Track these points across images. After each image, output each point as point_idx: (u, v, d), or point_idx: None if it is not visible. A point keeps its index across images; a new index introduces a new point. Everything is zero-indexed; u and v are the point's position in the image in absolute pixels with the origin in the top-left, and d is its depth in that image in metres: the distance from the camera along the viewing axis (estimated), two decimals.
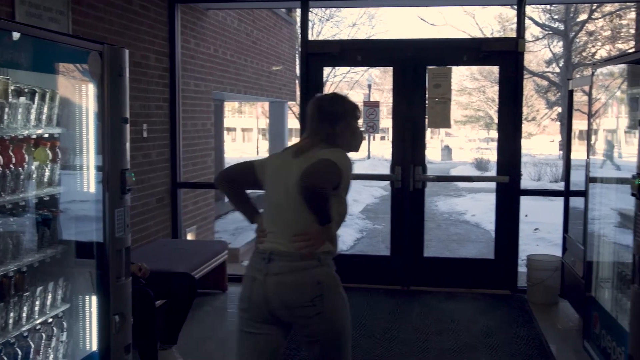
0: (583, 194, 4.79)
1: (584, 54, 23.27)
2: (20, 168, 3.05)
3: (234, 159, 32.45)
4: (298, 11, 6.07)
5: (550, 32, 23.88)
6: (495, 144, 6.42)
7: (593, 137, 4.59)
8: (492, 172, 6.02)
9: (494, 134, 5.92)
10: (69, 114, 3.34)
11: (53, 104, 3.27)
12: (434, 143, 40.93)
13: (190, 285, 4.39)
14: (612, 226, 4.06)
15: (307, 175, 2.56)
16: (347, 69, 26.92)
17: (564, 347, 4.68)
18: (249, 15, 10.34)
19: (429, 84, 5.92)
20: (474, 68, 29.00)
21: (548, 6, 22.36)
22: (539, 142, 38.51)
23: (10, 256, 3.01)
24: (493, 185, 6.34)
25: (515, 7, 5.95)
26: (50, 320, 3.28)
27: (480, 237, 11.43)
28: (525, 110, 29.55)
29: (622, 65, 3.92)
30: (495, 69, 6.03)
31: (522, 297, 5.82)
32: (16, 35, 2.80)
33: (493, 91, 27.68)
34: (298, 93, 10.98)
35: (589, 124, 4.68)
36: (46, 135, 3.26)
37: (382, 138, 37.06)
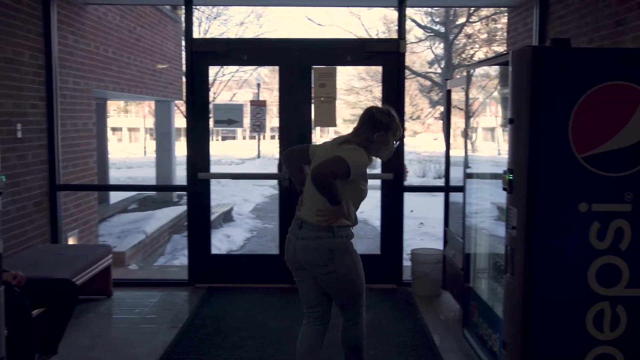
0: (462, 189, 5.00)
1: (463, 55, 24.40)
2: None
3: (120, 161, 31.23)
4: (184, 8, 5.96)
5: (432, 34, 24.86)
6: None
7: (473, 135, 4.80)
8: (378, 170, 6.17)
9: None
10: None
11: None
12: (323, 141, 41.43)
13: (71, 291, 4.20)
14: (492, 219, 4.26)
15: (314, 168, 3.36)
16: (235, 67, 26.79)
17: (446, 336, 4.88)
18: (131, 12, 10.04)
19: (315, 83, 5.98)
20: (361, 68, 29.61)
21: (430, 9, 23.25)
22: (424, 140, 39.91)
23: None
24: (379, 182, 6.50)
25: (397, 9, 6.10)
26: None
27: (368, 233, 11.68)
28: (410, 109, 30.66)
29: (496, 67, 4.13)
30: (380, 69, 6.18)
31: (407, 290, 6.01)
32: None
33: (379, 90, 28.40)
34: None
35: (466, 122, 4.89)
36: None
37: (273, 137, 37.12)
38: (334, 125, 6.26)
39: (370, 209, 14.19)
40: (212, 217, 10.22)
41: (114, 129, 46.88)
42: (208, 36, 24.89)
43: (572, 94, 3.17)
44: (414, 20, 23.80)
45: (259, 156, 31.27)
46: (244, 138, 46.80)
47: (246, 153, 34.41)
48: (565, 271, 3.25)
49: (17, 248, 5.60)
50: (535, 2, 6.11)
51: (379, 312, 5.38)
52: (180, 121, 19.36)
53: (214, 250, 6.71)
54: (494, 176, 4.08)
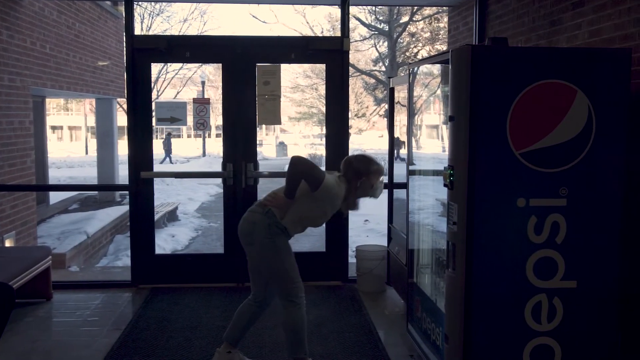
0: (405, 185, 5.05)
1: (407, 53, 24.68)
2: None
3: (60, 160, 30.44)
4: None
5: (376, 32, 25.07)
6: None
7: (418, 132, 4.86)
8: (323, 167, 6.17)
9: None
10: None
11: None
12: (270, 140, 41.38)
13: (8, 295, 4.06)
14: (436, 216, 4.33)
15: (299, 157, 3.75)
16: (179, 65, 26.44)
17: (391, 332, 4.94)
18: (70, 7, 9.78)
19: (259, 81, 5.96)
20: (307, 66, 29.66)
21: (374, 7, 23.45)
22: (370, 137, 40.27)
23: None
24: None
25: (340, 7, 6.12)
26: None
27: (314, 231, 11.68)
28: (355, 107, 30.91)
29: (438, 65, 4.19)
30: (324, 67, 6.20)
31: (352, 286, 6.05)
32: None
33: (325, 88, 28.51)
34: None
35: (409, 120, 4.95)
36: None
37: (218, 135, 36.82)
38: (279, 123, 6.24)
39: None
40: (156, 216, 10.08)
41: (53, 128, 45.70)
42: (150, 33, 24.51)
43: (509, 91, 3.25)
44: (358, 19, 23.97)
45: (204, 154, 30.97)
46: (189, 136, 46.29)
47: (191, 151, 34.04)
48: (504, 265, 3.34)
49: None
50: (475, 1, 6.24)
51: (324, 308, 5.40)
52: (122, 119, 19.02)
53: (158, 250, 6.62)
54: (437, 173, 4.14)
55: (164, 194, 16.58)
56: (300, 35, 22.06)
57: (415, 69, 4.67)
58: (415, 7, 21.93)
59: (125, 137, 6.07)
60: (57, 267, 6.92)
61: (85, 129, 41.31)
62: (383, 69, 26.25)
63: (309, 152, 28.53)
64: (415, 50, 24.77)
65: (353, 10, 22.55)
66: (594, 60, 3.34)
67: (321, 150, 27.61)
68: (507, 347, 3.39)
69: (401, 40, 24.84)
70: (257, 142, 6.23)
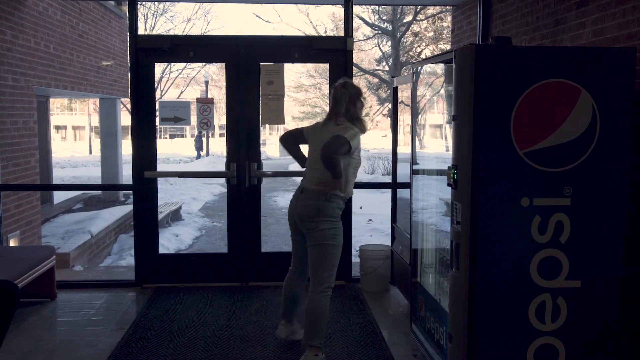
0: (409, 185, 5.05)
1: (411, 53, 24.67)
2: None
3: (64, 159, 30.46)
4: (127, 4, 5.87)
5: (380, 32, 25.06)
6: None
7: (421, 132, 4.86)
8: None
9: None
10: None
11: None
12: (273, 139, 41.36)
13: (12, 294, 4.07)
14: (440, 215, 4.33)
15: (324, 147, 4.01)
16: (183, 65, 26.47)
17: (395, 331, 4.94)
18: (73, 7, 9.80)
19: (262, 80, 5.96)
20: (310, 65, 29.68)
21: (377, 7, 23.44)
22: (373, 137, 40.25)
23: None
24: None
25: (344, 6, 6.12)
26: None
27: None
28: None
29: (442, 65, 4.19)
30: (328, 67, 6.20)
31: (356, 286, 6.05)
32: None
33: (328, 88, 28.54)
34: None
35: (412, 119, 4.95)
36: None
37: (222, 135, 36.82)
38: (283, 122, 6.24)
39: None
40: (160, 216, 10.11)
41: (57, 127, 45.79)
42: (154, 33, 24.55)
43: (513, 91, 3.24)
44: (361, 18, 23.98)
45: (207, 154, 31.00)
46: (193, 136, 46.34)
47: (195, 151, 34.08)
48: (508, 265, 3.33)
49: None
50: (479, 1, 6.23)
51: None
52: (126, 119, 19.04)
53: (162, 250, 6.63)
54: (441, 172, 4.14)
55: (168, 194, 16.61)
56: (304, 34, 22.08)
57: (419, 68, 4.67)
58: (419, 7, 21.93)
59: (129, 136, 6.07)
60: (61, 266, 6.94)
61: (89, 129, 41.37)
62: (386, 68, 26.24)
63: None
64: (418, 49, 24.77)
65: (356, 9, 22.57)
66: (598, 59, 3.33)
67: None
68: (511, 346, 3.39)
69: (404, 40, 24.82)
70: (261, 142, 6.24)
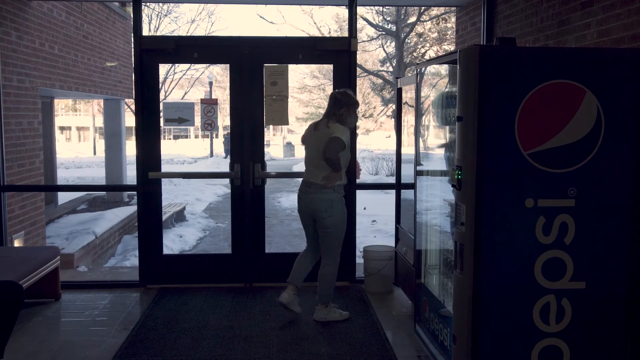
0: (413, 186, 5.04)
1: (415, 54, 24.65)
2: None
3: (69, 160, 30.44)
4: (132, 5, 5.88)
5: (384, 32, 25.03)
6: None
7: (425, 133, 4.85)
8: None
9: None
10: None
11: None
12: (277, 140, 41.40)
13: (17, 294, 4.08)
14: (444, 216, 4.32)
15: (327, 152, 4.82)
16: (187, 65, 26.49)
17: (398, 332, 4.94)
18: (78, 8, 9.82)
19: (266, 81, 5.96)
20: (314, 66, 29.68)
21: (381, 8, 23.42)
22: (377, 138, 40.23)
23: None
24: None
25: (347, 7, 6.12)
26: None
27: None
28: (363, 107, 30.83)
29: (446, 66, 4.19)
30: (332, 67, 6.19)
31: (360, 287, 6.05)
32: None
33: (332, 89, 28.52)
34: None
35: (416, 120, 4.95)
36: None
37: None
38: (287, 123, 6.24)
39: None
40: (164, 216, 10.11)
41: (62, 128, 45.89)
42: (158, 34, 24.57)
43: (517, 92, 3.24)
44: (365, 19, 23.95)
45: (211, 155, 31.02)
46: (197, 137, 46.39)
47: (199, 152, 34.12)
48: (512, 266, 3.33)
49: None
50: (483, 1, 6.22)
51: None
52: (130, 120, 19.08)
53: (166, 251, 6.63)
54: (444, 173, 4.14)
55: (172, 195, 16.62)
56: (308, 35, 22.07)
57: (423, 69, 4.66)
58: (423, 8, 21.90)
59: (133, 137, 6.08)
60: (65, 267, 6.95)
61: (93, 130, 41.44)
62: (390, 69, 26.21)
63: None
64: (422, 50, 24.75)
65: (360, 10, 22.55)
66: (602, 60, 3.33)
67: None
68: (515, 348, 3.38)
69: (409, 41, 24.80)
70: (265, 143, 6.24)
